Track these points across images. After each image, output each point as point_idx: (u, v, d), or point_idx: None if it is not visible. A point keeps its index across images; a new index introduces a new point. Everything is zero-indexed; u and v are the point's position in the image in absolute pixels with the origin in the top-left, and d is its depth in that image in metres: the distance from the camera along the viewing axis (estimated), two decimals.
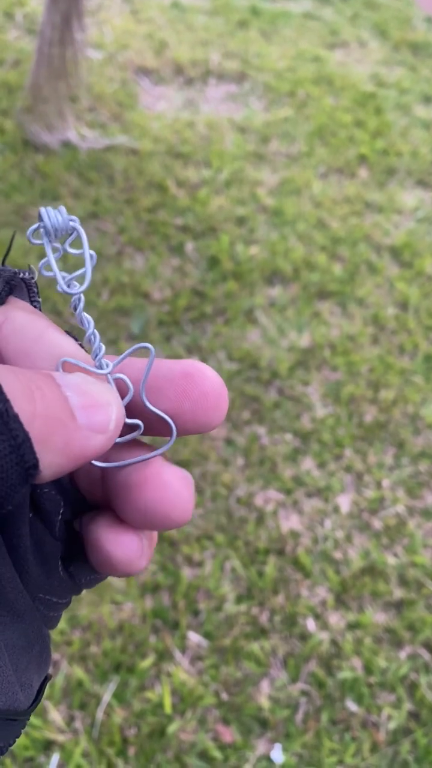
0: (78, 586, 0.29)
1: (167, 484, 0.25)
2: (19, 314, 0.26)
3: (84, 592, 0.30)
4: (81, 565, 0.29)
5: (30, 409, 0.21)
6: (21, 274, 0.27)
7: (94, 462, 0.27)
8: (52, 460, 0.21)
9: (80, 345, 0.27)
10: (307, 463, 1.64)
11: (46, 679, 0.28)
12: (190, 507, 0.25)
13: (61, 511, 0.27)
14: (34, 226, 0.25)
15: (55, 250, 0.25)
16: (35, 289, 0.27)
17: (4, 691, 0.24)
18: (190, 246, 2.15)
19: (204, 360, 1.81)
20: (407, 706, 1.31)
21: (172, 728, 1.24)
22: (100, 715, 1.24)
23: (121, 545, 0.26)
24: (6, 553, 0.25)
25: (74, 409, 0.22)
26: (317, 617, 1.40)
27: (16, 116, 2.46)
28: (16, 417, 0.20)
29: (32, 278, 0.27)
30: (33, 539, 0.26)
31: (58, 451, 0.21)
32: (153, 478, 0.25)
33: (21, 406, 0.21)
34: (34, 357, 0.25)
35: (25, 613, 0.26)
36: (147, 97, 2.78)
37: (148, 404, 0.26)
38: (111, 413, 0.23)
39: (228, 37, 3.20)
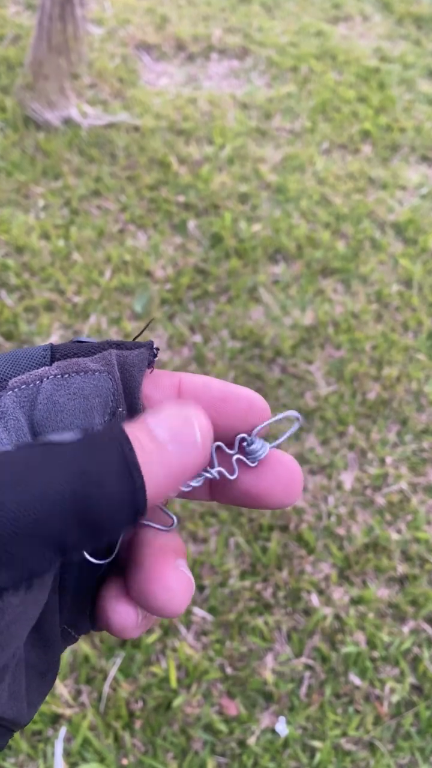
0: (94, 626, 0.32)
1: (168, 587, 0.28)
2: (190, 375, 0.32)
3: None
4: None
5: (138, 461, 0.25)
6: (155, 346, 0.33)
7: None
8: (158, 492, 0.25)
9: None
10: (311, 441, 1.64)
11: None
12: (184, 607, 0.28)
13: (108, 560, 0.31)
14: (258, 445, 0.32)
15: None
16: (155, 353, 0.33)
17: (17, 703, 0.27)
18: (192, 223, 2.14)
19: (207, 338, 1.81)
20: (410, 679, 1.32)
21: (177, 702, 1.25)
22: (106, 689, 1.26)
23: (120, 614, 0.29)
24: (57, 588, 0.29)
25: (165, 443, 0.26)
26: (321, 593, 1.41)
27: (16, 93, 2.43)
28: (139, 468, 0.25)
29: (157, 349, 0.33)
30: (78, 577, 0.30)
31: (161, 484, 0.25)
32: (158, 575, 0.28)
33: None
34: (223, 411, 0.31)
35: (53, 644, 0.29)
36: (148, 74, 2.75)
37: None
38: (194, 427, 0.27)
39: (230, 11, 3.16)
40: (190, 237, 2.10)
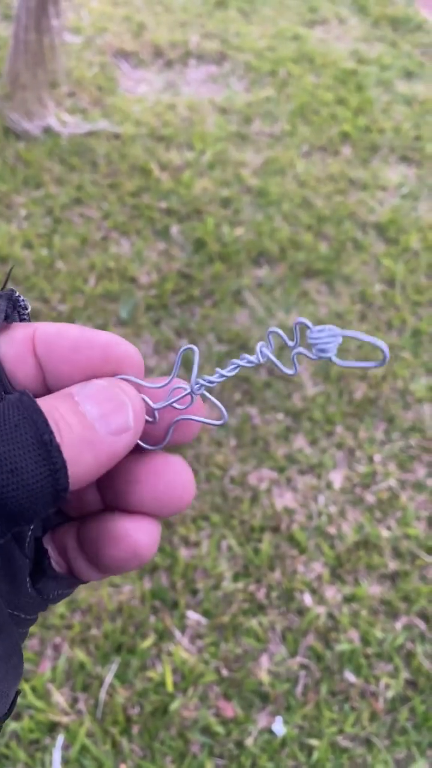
0: (45, 602, 0.30)
1: (178, 470, 0.27)
2: (48, 324, 0.28)
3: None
4: (48, 581, 0.30)
5: (56, 440, 0.23)
6: (17, 294, 0.29)
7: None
8: (85, 473, 0.23)
9: None
10: (299, 441, 1.65)
11: (18, 693, 0.29)
12: (194, 490, 0.28)
13: (32, 527, 0.29)
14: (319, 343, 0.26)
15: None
16: (27, 310, 0.29)
17: None
18: (175, 229, 2.15)
19: (194, 342, 1.82)
20: (404, 674, 1.33)
21: (174, 706, 1.25)
22: (103, 695, 1.26)
23: (146, 531, 0.28)
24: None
25: (94, 422, 0.24)
26: (314, 592, 1.42)
27: None
28: (58, 447, 0.22)
29: (23, 299, 0.29)
30: (2, 556, 0.27)
31: (89, 466, 0.23)
32: (167, 466, 0.27)
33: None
34: (76, 363, 0.26)
35: (3, 625, 0.28)
36: (127, 81, 2.76)
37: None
38: (127, 412, 0.25)
39: (207, 17, 3.18)
40: (174, 242, 2.11)
